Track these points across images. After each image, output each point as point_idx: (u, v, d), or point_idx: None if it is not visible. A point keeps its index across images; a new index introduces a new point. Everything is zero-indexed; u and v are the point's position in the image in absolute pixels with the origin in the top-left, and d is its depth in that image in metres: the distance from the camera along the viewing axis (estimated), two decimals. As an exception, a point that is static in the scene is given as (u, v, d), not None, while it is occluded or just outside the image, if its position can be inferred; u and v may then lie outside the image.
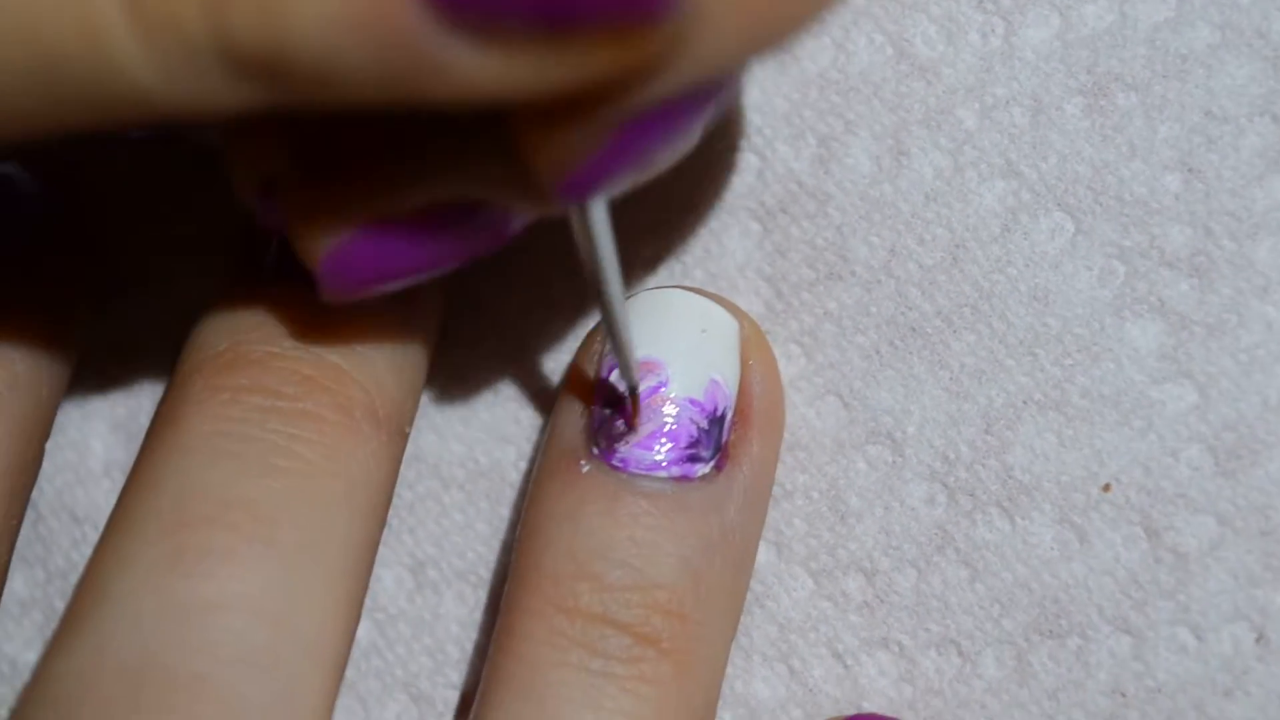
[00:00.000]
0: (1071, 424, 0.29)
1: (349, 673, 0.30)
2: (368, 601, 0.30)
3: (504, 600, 0.28)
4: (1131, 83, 0.29)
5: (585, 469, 0.27)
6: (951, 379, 0.29)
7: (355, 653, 0.30)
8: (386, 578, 0.31)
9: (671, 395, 0.27)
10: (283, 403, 0.26)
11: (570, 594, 0.26)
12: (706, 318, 0.28)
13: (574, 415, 0.28)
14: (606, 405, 0.28)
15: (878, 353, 0.30)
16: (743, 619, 0.30)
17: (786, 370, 0.30)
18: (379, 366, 0.27)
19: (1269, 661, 0.28)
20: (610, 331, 0.26)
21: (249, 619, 0.24)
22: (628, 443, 0.27)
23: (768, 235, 0.30)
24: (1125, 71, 0.29)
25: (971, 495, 0.29)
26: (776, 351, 0.30)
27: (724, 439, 0.27)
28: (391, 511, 0.30)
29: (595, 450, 0.27)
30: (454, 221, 0.24)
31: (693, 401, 0.27)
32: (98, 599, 0.25)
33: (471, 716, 0.27)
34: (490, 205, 0.24)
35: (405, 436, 0.28)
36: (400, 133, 0.24)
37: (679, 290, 0.28)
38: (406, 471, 0.31)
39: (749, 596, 0.30)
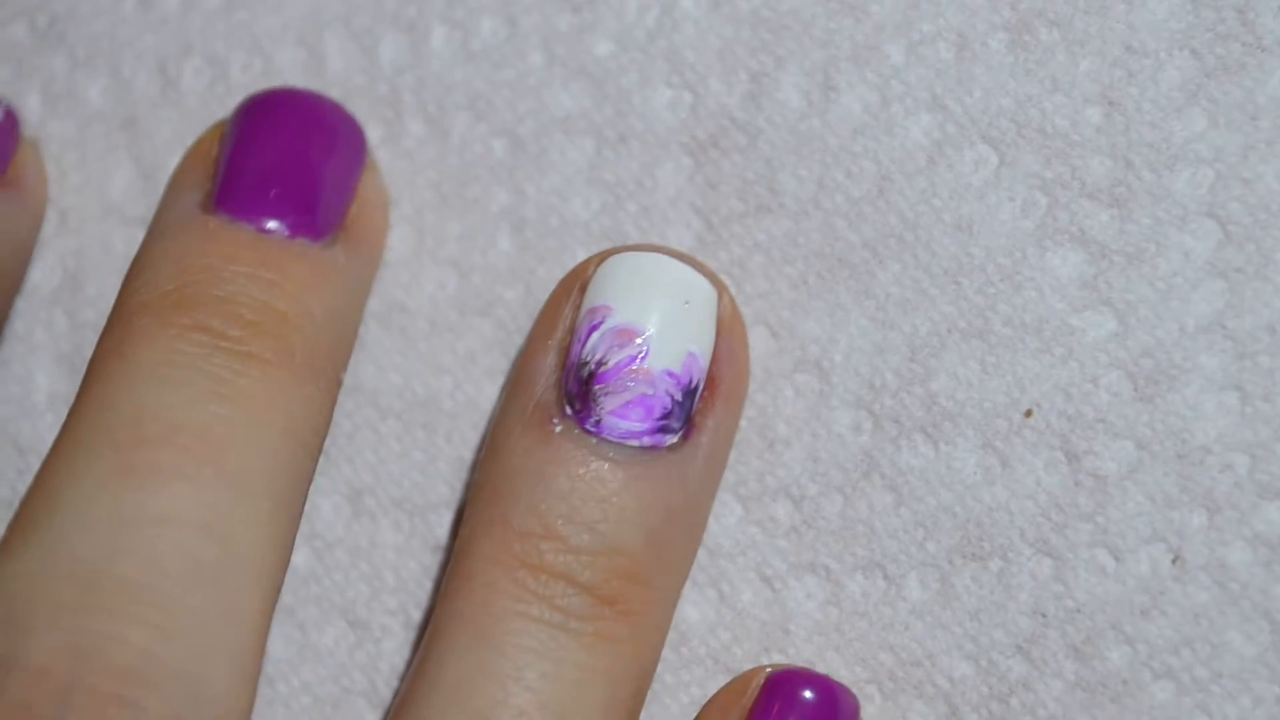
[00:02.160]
0: (994, 351, 0.30)
1: (288, 599, 0.31)
2: (306, 529, 0.31)
3: (463, 541, 0.28)
4: (1054, 18, 0.30)
5: (558, 428, 0.28)
6: (877, 308, 0.30)
7: (294, 579, 0.31)
8: (324, 506, 0.31)
9: (650, 366, 0.28)
10: (226, 343, 0.27)
11: (535, 551, 0.27)
12: (690, 289, 0.28)
13: (546, 365, 0.28)
14: (583, 365, 0.28)
15: (805, 283, 0.30)
16: (674, 546, 0.30)
17: (716, 299, 0.30)
18: (317, 315, 0.28)
19: (1185, 582, 0.29)
20: None
21: (197, 535, 0.25)
22: (603, 408, 0.27)
23: (699, 169, 0.31)
24: (1048, 7, 0.30)
25: (896, 422, 0.30)
26: (705, 282, 0.30)
27: (693, 409, 0.28)
28: (330, 440, 0.31)
29: (569, 411, 0.28)
30: None
31: (670, 373, 0.28)
32: (49, 507, 0.26)
33: (423, 652, 0.28)
34: None
35: (339, 383, 0.29)
36: None
37: (665, 257, 0.29)
38: (345, 401, 0.31)
39: (679, 523, 0.30)
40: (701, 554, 0.30)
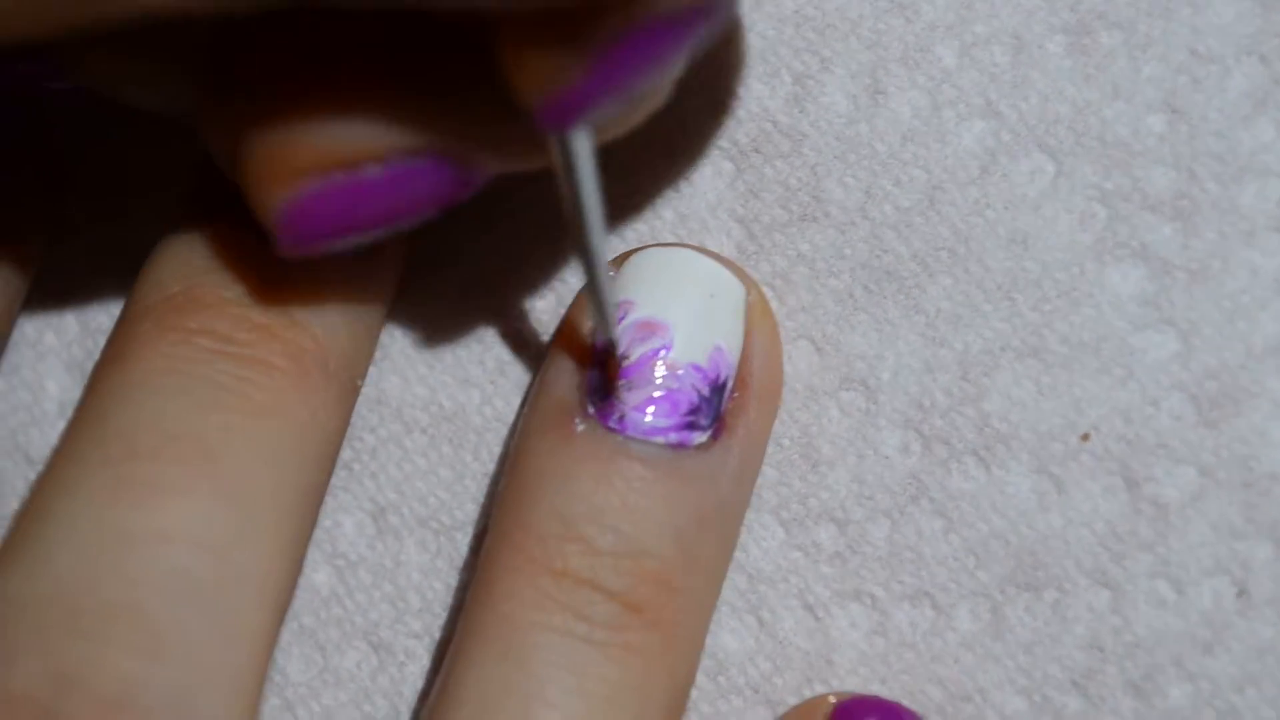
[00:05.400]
0: (1050, 371, 0.28)
1: (308, 620, 0.30)
2: (328, 547, 0.30)
3: (485, 553, 0.27)
4: (1116, 20, 0.28)
5: (580, 428, 0.26)
6: (927, 324, 0.29)
7: (314, 600, 0.30)
8: (347, 523, 0.30)
9: (675, 359, 0.26)
10: (233, 348, 0.26)
11: (559, 555, 0.26)
12: (715, 282, 0.27)
13: (568, 368, 0.27)
14: (619, 362, 0.27)
15: (851, 296, 0.29)
16: (711, 569, 0.29)
17: (758, 313, 0.29)
18: (332, 317, 0.27)
19: (1250, 616, 0.28)
20: (589, 278, 0.25)
21: (192, 551, 0.24)
22: (626, 404, 0.26)
23: (740, 175, 0.29)
24: (1109, 9, 0.28)
25: (947, 444, 0.28)
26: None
27: (722, 408, 0.27)
28: (353, 456, 0.30)
29: (591, 409, 0.26)
30: (416, 173, 0.24)
31: (696, 367, 0.26)
32: (39, 525, 0.25)
33: (445, 668, 0.27)
34: (455, 157, 0.24)
35: (356, 389, 0.28)
36: (361, 74, 0.23)
37: (689, 250, 0.28)
38: (369, 415, 0.30)
39: (717, 546, 0.29)
40: (741, 579, 0.29)
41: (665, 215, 0.29)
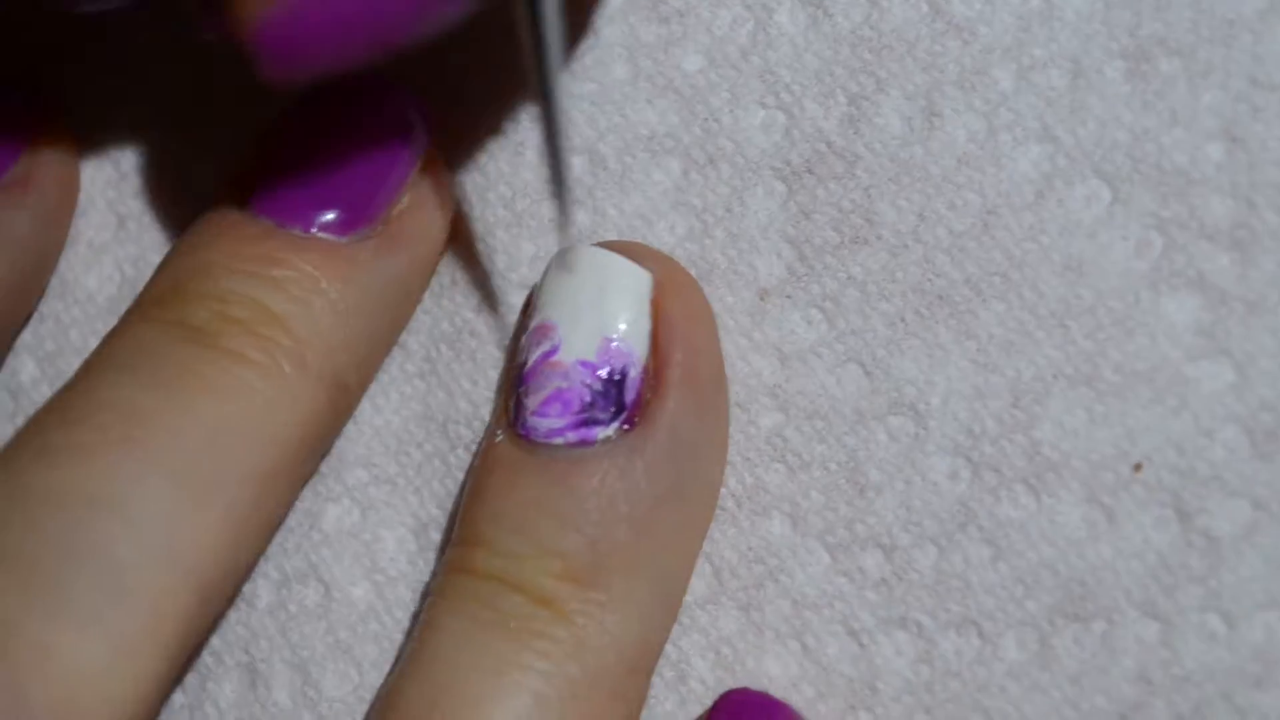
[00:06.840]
0: (1103, 400, 0.28)
1: (344, 635, 0.29)
2: (367, 562, 0.30)
3: None
4: (1175, 47, 0.28)
5: (499, 439, 0.27)
6: (979, 349, 0.28)
7: (352, 615, 0.30)
8: (388, 538, 0.30)
9: (562, 358, 0.27)
10: (202, 336, 0.26)
11: (470, 558, 0.26)
12: (606, 274, 0.27)
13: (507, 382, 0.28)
14: (520, 369, 0.27)
15: (902, 320, 0.29)
16: (755, 593, 0.29)
17: (807, 336, 0.29)
18: (318, 312, 0.27)
19: (1302, 652, 0.27)
20: (544, 128, 0.25)
21: (86, 508, 0.24)
22: (527, 409, 0.27)
23: (793, 196, 0.29)
24: (1169, 35, 0.28)
25: (996, 471, 0.28)
26: (797, 316, 0.29)
27: (628, 398, 0.26)
28: (397, 471, 0.30)
29: (507, 419, 0.27)
30: None
31: (583, 363, 0.26)
32: None
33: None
34: None
35: (345, 388, 0.28)
36: None
37: (583, 247, 0.27)
38: (414, 430, 0.30)
39: (761, 570, 0.29)
40: (784, 604, 0.28)
41: (716, 235, 0.29)
